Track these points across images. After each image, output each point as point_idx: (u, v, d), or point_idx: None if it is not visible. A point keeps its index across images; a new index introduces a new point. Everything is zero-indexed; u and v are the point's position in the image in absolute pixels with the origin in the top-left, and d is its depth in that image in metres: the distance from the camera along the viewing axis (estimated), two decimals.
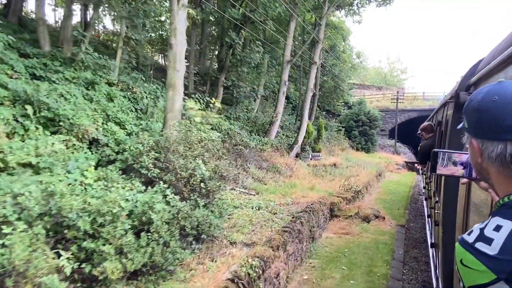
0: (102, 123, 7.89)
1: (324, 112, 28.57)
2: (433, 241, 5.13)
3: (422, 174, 14.14)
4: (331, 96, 25.15)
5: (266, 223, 7.29)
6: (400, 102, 31.57)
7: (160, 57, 22.28)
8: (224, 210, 7.02)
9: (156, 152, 6.35)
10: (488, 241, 0.86)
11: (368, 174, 17.48)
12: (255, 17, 12.65)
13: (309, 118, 21.29)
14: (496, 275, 0.82)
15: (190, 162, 6.23)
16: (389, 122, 34.87)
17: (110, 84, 10.25)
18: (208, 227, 5.53)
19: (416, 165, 26.28)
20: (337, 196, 11.12)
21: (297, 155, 17.34)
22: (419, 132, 6.34)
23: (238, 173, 10.87)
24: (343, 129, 27.16)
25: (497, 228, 0.87)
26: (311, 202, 9.47)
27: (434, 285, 4.32)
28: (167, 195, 5.48)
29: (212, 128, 12.24)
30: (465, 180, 1.55)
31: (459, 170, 1.49)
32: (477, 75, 2.47)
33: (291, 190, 10.71)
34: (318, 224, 8.95)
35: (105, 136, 7.53)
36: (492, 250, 0.84)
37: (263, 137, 15.29)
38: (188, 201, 5.75)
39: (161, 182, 5.82)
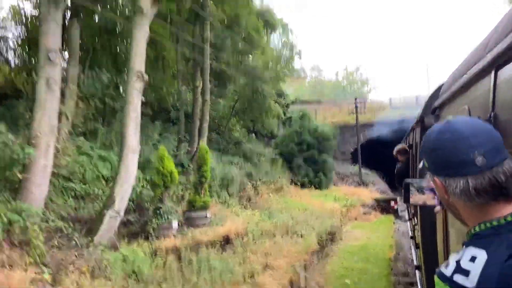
0: None
1: (253, 135, 19.38)
2: (417, 264, 5.14)
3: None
4: (252, 108, 15.97)
5: None
6: (362, 113, 22.89)
7: None
8: None
9: None
10: (465, 273, 0.86)
11: (296, 253, 8.09)
12: None
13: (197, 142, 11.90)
14: None
15: None
16: (351, 141, 26.12)
17: None
18: None
19: (392, 203, 17.25)
20: None
21: (137, 233, 7.92)
22: (394, 154, 6.30)
23: None
24: (280, 157, 17.98)
25: (473, 259, 0.87)
26: None
27: None
28: None
29: None
30: (438, 208, 1.49)
31: (431, 198, 1.60)
32: (440, 98, 2.67)
33: None
34: None
35: None
36: (470, 282, 0.84)
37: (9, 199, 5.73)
38: None
39: None
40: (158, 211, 8.17)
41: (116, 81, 12.05)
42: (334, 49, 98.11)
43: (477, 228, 0.94)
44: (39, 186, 6.11)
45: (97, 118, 11.94)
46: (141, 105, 14.30)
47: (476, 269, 0.84)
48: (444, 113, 2.50)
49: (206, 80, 11.62)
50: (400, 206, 16.93)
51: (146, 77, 6.97)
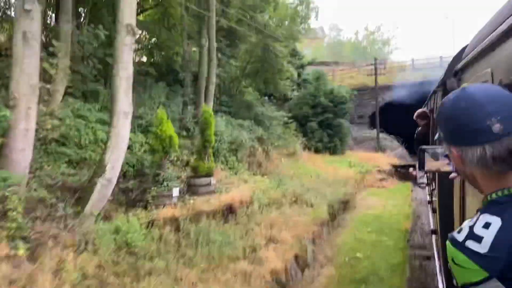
0: None
1: (266, 98, 18.55)
2: (433, 228, 5.25)
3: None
4: (264, 70, 15.06)
5: None
6: (381, 74, 21.65)
7: None
8: None
9: None
10: (478, 239, 0.85)
11: (305, 224, 7.55)
12: None
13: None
14: (488, 273, 0.81)
15: None
16: (369, 105, 24.95)
17: None
18: None
19: (411, 169, 16.45)
20: None
21: (136, 202, 7.45)
22: (414, 119, 6.23)
23: None
24: (294, 121, 17.21)
25: (486, 225, 0.86)
26: None
27: (437, 268, 4.37)
28: None
29: None
30: (454, 175, 1.50)
31: (445, 165, 1.58)
32: (463, 60, 2.50)
33: None
34: None
35: None
36: (482, 248, 0.83)
37: None
38: None
39: None
40: (157, 178, 7.68)
41: None
42: (354, 7, 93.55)
43: (493, 195, 0.92)
44: (21, 152, 5.60)
45: (99, 79, 11.33)
46: (148, 66, 13.61)
47: (489, 235, 0.83)
48: (467, 76, 2.40)
49: (212, 38, 10.74)
50: (419, 172, 16.21)
51: (137, 31, 6.22)
